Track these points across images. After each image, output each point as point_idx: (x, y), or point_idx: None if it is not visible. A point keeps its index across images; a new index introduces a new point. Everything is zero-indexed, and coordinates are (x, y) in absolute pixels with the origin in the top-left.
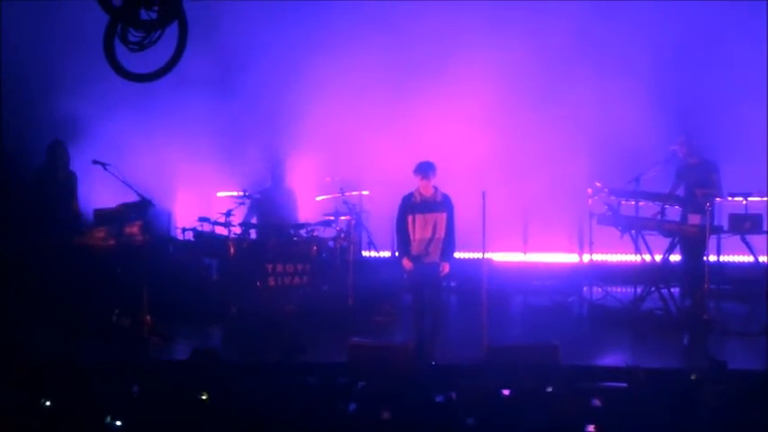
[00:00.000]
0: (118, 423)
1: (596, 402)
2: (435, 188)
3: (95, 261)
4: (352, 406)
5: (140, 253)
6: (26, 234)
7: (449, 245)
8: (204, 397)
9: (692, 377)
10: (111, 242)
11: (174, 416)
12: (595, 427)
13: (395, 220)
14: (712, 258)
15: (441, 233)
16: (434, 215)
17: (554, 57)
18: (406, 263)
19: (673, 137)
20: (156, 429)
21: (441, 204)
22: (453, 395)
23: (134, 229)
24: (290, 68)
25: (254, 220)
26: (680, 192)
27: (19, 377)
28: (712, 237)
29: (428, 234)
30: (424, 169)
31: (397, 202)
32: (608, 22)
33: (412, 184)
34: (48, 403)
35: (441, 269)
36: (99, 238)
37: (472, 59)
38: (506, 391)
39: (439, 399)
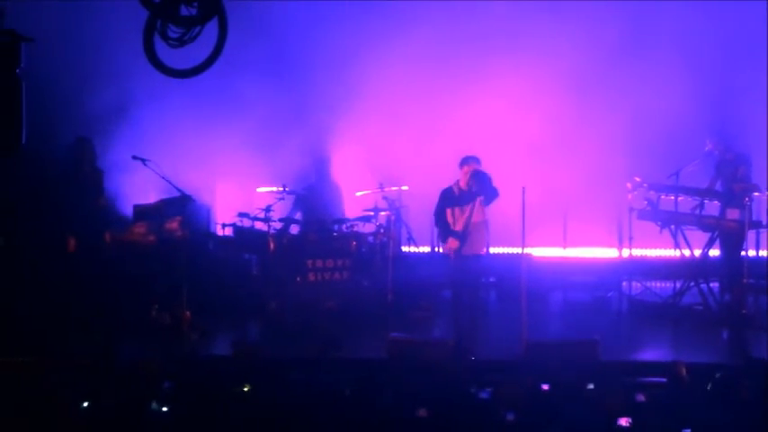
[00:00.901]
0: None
1: (637, 397)
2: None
3: (135, 257)
4: (391, 402)
5: (180, 249)
6: (53, 232)
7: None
8: (246, 389)
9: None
10: (151, 238)
11: (214, 410)
12: (629, 421)
13: (434, 214)
14: (751, 253)
15: (477, 217)
16: (473, 205)
17: (593, 52)
18: (452, 242)
19: (711, 132)
20: (198, 423)
21: (474, 194)
22: (492, 391)
23: (174, 224)
24: (333, 63)
25: (298, 216)
26: (719, 186)
27: (62, 377)
28: (751, 231)
29: (468, 227)
30: (472, 160)
31: (437, 197)
32: (646, 17)
33: (451, 179)
34: (86, 404)
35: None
36: (139, 233)
37: (511, 54)
38: (545, 387)
39: (478, 394)
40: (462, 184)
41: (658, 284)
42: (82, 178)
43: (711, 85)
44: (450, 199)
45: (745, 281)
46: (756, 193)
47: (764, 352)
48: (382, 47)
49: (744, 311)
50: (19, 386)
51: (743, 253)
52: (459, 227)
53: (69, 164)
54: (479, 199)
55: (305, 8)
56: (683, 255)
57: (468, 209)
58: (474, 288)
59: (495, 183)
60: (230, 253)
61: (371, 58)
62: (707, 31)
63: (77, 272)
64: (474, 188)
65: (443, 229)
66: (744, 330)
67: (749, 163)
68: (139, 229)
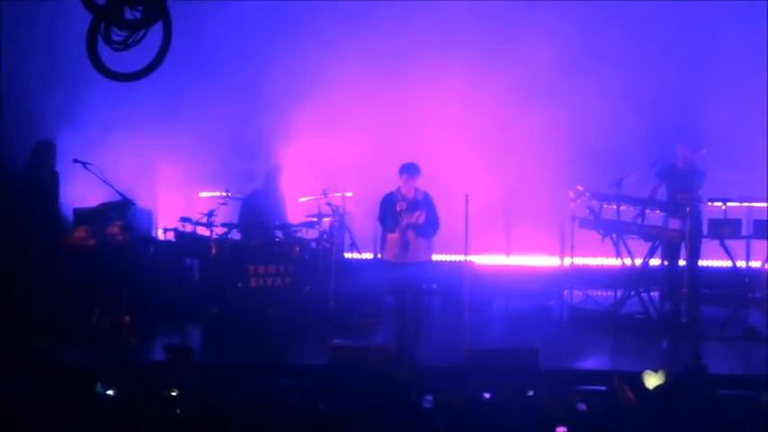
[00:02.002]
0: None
1: (577, 406)
2: (416, 189)
3: (75, 261)
4: (332, 408)
5: (121, 253)
6: (13, 236)
7: (430, 226)
8: (174, 393)
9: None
10: (92, 242)
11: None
12: (568, 429)
13: (378, 219)
14: (681, 263)
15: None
16: (415, 214)
17: (538, 60)
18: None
19: (655, 141)
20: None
21: (420, 203)
22: (433, 398)
23: (114, 228)
24: (276, 69)
25: (240, 221)
26: (660, 194)
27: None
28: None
29: (408, 235)
30: (410, 169)
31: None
32: (591, 24)
33: (395, 185)
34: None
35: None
36: (79, 237)
37: (456, 62)
38: (487, 395)
39: (418, 401)
40: (405, 192)
41: (599, 293)
42: (43, 181)
43: (655, 94)
44: (392, 204)
45: (685, 290)
46: (701, 204)
47: (704, 361)
48: (328, 52)
49: (684, 320)
50: None
51: (681, 262)
52: (410, 234)
53: (30, 166)
54: (425, 215)
55: (251, 12)
56: (624, 264)
57: (414, 216)
58: (417, 295)
59: (439, 190)
60: (172, 258)
61: (316, 62)
62: (651, 41)
63: (24, 275)
64: (423, 208)
65: (391, 220)
66: (683, 339)
67: (704, 176)
68: (80, 233)
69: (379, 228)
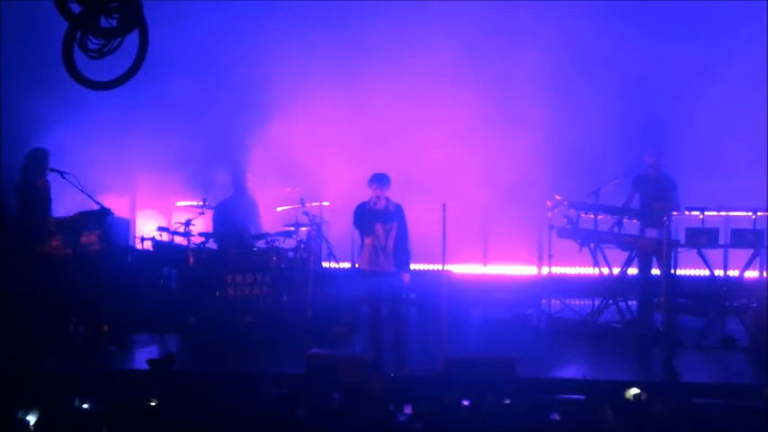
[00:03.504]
0: None
1: (553, 415)
2: (387, 199)
3: (52, 270)
4: (309, 417)
5: (98, 262)
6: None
7: (404, 254)
8: (153, 404)
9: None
10: (68, 251)
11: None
12: None
13: (355, 224)
14: (655, 272)
15: (392, 243)
16: (387, 225)
17: (514, 69)
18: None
19: (634, 150)
20: None
21: (392, 215)
22: (411, 407)
23: (92, 238)
24: (249, 79)
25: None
26: (635, 202)
27: None
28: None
29: (381, 242)
30: (379, 180)
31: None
32: (570, 33)
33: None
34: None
35: (401, 280)
36: (55, 247)
37: (432, 70)
38: (464, 403)
39: (394, 411)
40: (375, 202)
41: (577, 302)
42: (37, 190)
43: (633, 103)
44: (371, 213)
45: (663, 299)
46: (675, 213)
47: (679, 370)
48: (304, 60)
49: (660, 330)
50: None
51: (671, 270)
52: (383, 242)
53: (26, 174)
54: (396, 225)
55: (223, 22)
56: (601, 273)
57: (392, 227)
58: (395, 304)
59: (416, 200)
60: (149, 267)
61: (293, 72)
62: (628, 51)
63: (6, 284)
64: (395, 220)
65: (367, 224)
66: (659, 349)
67: (676, 186)
68: (57, 242)
69: (356, 237)
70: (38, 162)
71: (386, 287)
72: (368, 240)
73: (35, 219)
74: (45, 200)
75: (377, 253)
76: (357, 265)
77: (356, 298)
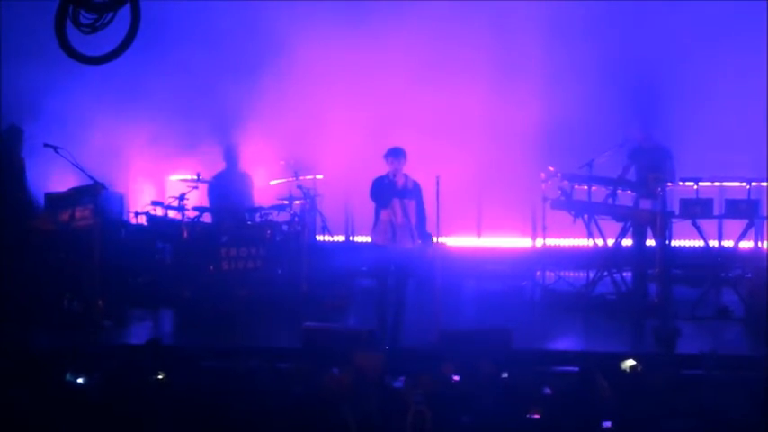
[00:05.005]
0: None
1: (550, 387)
2: (406, 176)
3: (46, 245)
4: (305, 391)
5: (92, 237)
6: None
7: (424, 232)
8: (161, 377)
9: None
10: (63, 226)
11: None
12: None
13: (372, 196)
14: (649, 243)
15: (412, 219)
16: (405, 202)
17: (510, 41)
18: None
19: (627, 122)
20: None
21: (411, 192)
22: (405, 380)
23: (85, 212)
24: (244, 50)
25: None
26: (631, 175)
27: None
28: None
29: (398, 219)
30: (395, 154)
31: (351, 186)
32: (562, 6)
33: (365, 167)
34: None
35: (421, 255)
36: (50, 222)
37: (427, 42)
38: (458, 377)
39: (391, 383)
40: (395, 177)
41: (572, 274)
42: (10, 167)
43: (627, 74)
44: (390, 187)
45: (657, 270)
46: (669, 184)
47: (672, 341)
48: (296, 33)
49: (655, 301)
50: None
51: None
52: (400, 219)
53: (7, 149)
54: (415, 203)
55: None
56: (596, 244)
57: (410, 204)
58: (401, 279)
59: (410, 172)
60: (144, 241)
61: (284, 44)
62: (620, 24)
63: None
64: (413, 197)
65: (385, 196)
66: (654, 319)
67: (671, 156)
68: (51, 217)
69: (350, 210)
70: (16, 138)
71: (395, 262)
72: (384, 215)
73: (25, 194)
74: (20, 177)
75: (393, 228)
76: (352, 238)
77: (351, 271)
